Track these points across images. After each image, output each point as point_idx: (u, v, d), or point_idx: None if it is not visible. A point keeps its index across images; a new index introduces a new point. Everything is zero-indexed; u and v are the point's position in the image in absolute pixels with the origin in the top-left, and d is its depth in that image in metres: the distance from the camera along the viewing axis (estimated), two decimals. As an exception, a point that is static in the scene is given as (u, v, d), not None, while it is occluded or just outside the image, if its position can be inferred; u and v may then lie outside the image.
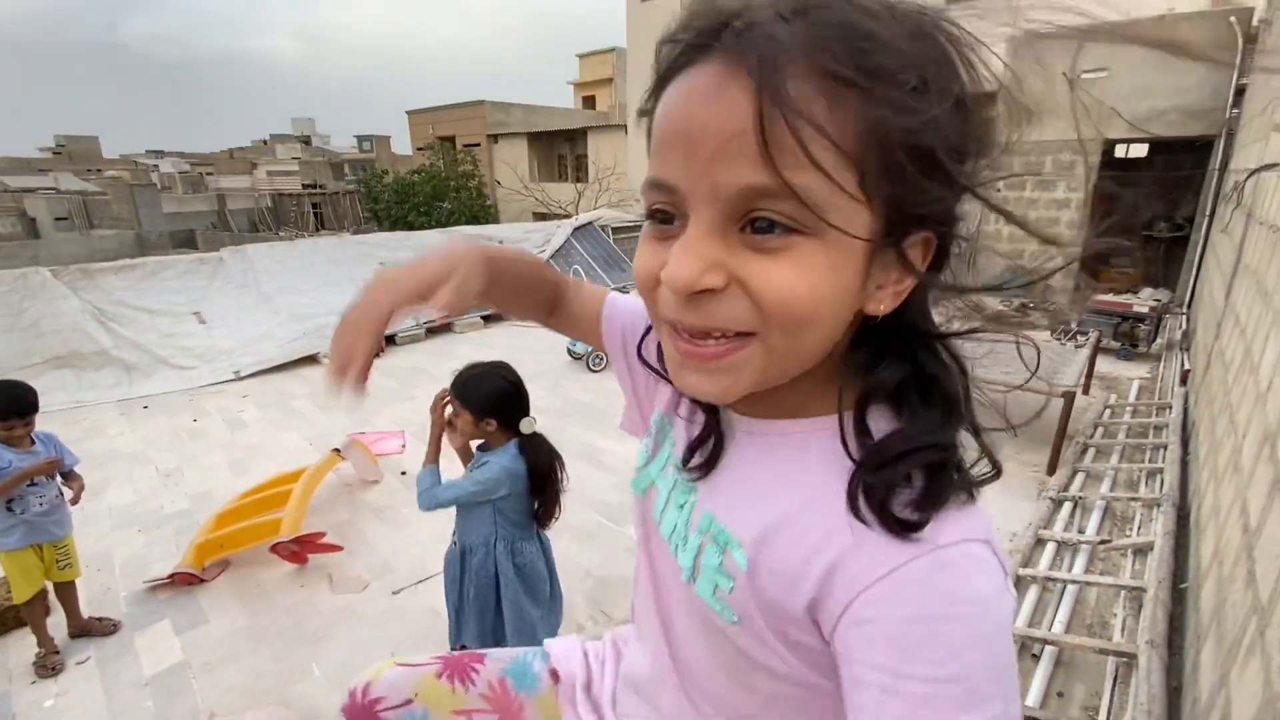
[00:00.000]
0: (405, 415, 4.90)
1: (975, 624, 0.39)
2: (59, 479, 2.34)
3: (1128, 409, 4.55)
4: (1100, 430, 4.18)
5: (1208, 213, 6.39)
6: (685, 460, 0.58)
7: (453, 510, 1.93)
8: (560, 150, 21.22)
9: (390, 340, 7.00)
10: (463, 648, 1.93)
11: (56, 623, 2.48)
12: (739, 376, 0.44)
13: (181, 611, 2.68)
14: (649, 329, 0.69)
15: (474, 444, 1.92)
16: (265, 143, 56.18)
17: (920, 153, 0.38)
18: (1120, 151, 7.08)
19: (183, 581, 2.80)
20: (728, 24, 0.39)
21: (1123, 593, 2.44)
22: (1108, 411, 4.52)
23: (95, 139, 51.39)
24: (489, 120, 21.71)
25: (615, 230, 10.08)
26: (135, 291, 6.51)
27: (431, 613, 2.59)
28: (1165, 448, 3.48)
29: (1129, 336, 5.75)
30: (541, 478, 1.84)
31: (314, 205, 27.57)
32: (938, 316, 0.48)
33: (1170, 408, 4.05)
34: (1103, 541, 2.80)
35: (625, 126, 17.17)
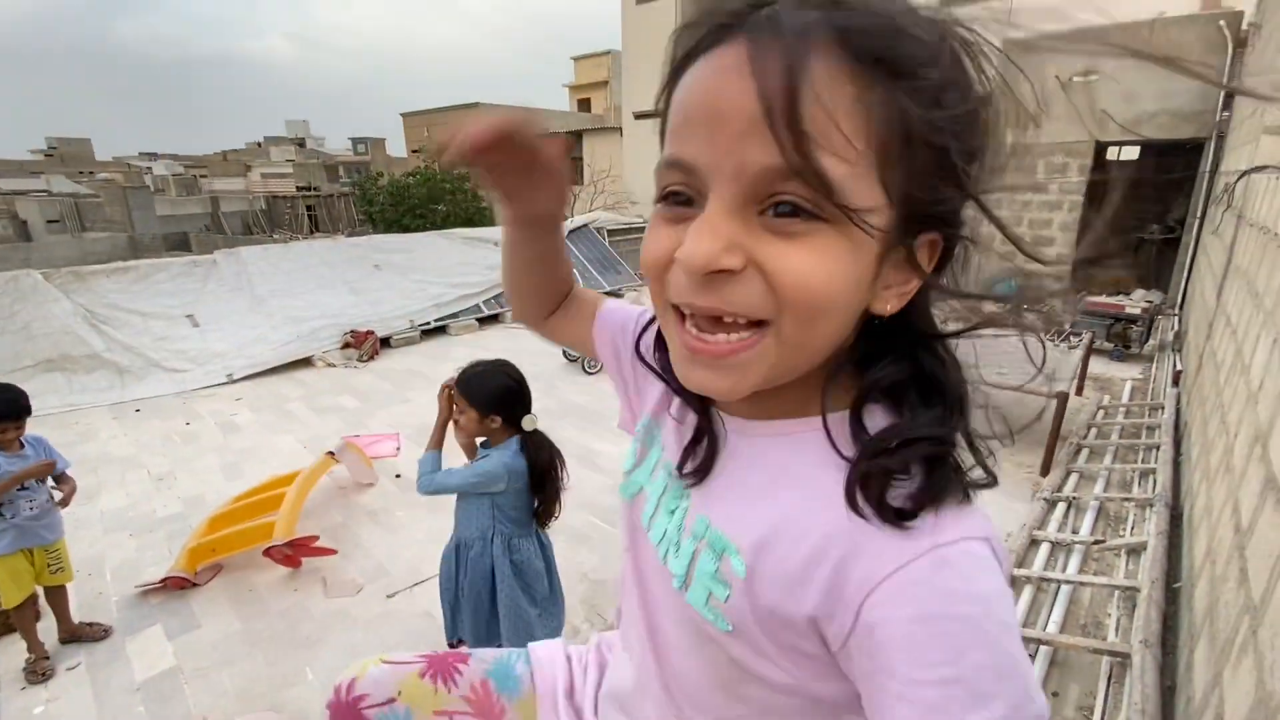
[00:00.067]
0: (400, 418, 4.89)
1: (978, 623, 0.39)
2: (50, 482, 2.32)
3: (1120, 410, 4.57)
4: (1093, 431, 4.20)
5: (1199, 215, 6.43)
6: (680, 467, 0.57)
7: (451, 512, 1.93)
8: (555, 153, 21.21)
9: (385, 343, 6.99)
10: (459, 642, 1.94)
11: (47, 628, 2.46)
12: (747, 373, 0.43)
13: (174, 616, 2.66)
14: (645, 328, 0.69)
15: (477, 440, 1.92)
16: (259, 145, 56.03)
17: (937, 151, 0.39)
18: (1112, 154, 7.13)
19: (175, 586, 2.78)
20: (758, 6, 0.39)
21: (1116, 593, 2.45)
22: (1101, 412, 4.54)
23: (88, 141, 51.14)
24: (484, 123, 21.65)
25: (611, 232, 10.09)
26: (128, 294, 6.48)
27: (426, 616, 2.58)
28: (1158, 448, 3.50)
29: (1121, 338, 5.78)
30: (542, 475, 1.85)
31: (308, 208, 27.48)
32: (935, 316, 0.48)
33: (1163, 408, 4.08)
34: (1096, 542, 2.81)
35: (620, 129, 17.20)
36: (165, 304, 6.63)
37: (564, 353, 5.89)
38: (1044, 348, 0.48)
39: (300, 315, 6.89)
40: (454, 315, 7.77)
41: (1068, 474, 3.52)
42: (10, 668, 2.36)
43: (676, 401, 0.61)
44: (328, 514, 3.43)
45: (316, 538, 2.95)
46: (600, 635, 0.82)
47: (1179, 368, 4.63)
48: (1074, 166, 7.04)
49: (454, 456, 1.92)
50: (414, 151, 23.28)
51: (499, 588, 1.85)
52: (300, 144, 53.54)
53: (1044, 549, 2.81)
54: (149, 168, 43.35)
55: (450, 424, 1.88)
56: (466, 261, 8.51)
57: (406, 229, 16.89)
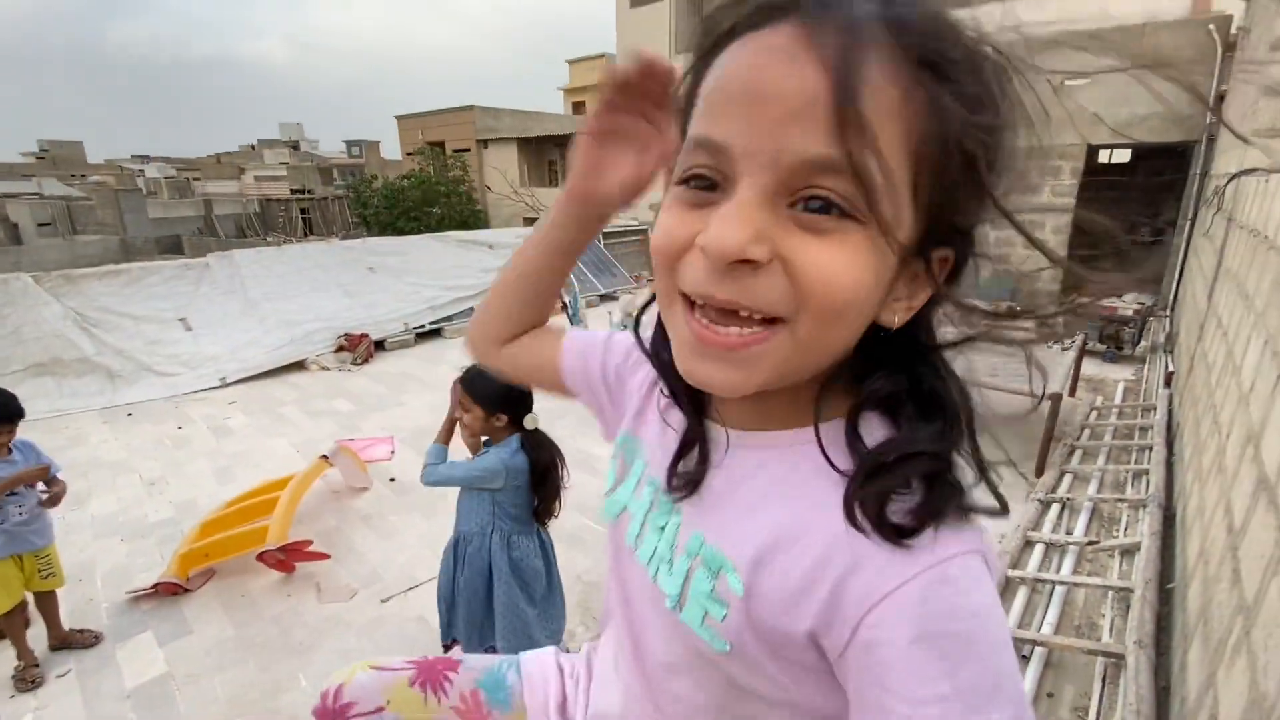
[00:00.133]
0: (395, 421, 4.87)
1: (973, 639, 0.38)
2: (39, 485, 2.30)
3: (1113, 411, 4.60)
4: (1087, 432, 4.22)
5: (1189, 217, 6.48)
6: (669, 478, 0.55)
7: (445, 515, 1.93)
8: (551, 155, 21.23)
9: (379, 345, 6.96)
10: (454, 642, 1.93)
11: (36, 635, 2.43)
12: (756, 369, 0.42)
13: (165, 622, 2.64)
14: (645, 326, 0.67)
15: (481, 439, 1.94)
16: (253, 148, 55.84)
17: (968, 162, 0.38)
18: (1103, 157, 7.18)
19: (166, 592, 2.76)
20: None
21: (1110, 593, 2.45)
22: (1094, 413, 4.57)
23: (79, 144, 50.87)
24: (479, 125, 21.68)
25: (605, 235, 10.09)
26: (119, 298, 6.44)
27: (421, 621, 2.57)
28: (1150, 449, 3.51)
29: (1114, 339, 5.82)
30: (543, 473, 1.87)
31: (302, 211, 27.41)
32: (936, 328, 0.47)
33: (1155, 409, 4.10)
34: (1090, 543, 2.82)
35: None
36: (157, 307, 6.59)
37: (559, 355, 5.89)
38: (1045, 377, 0.47)
39: (294, 318, 6.86)
40: (448, 318, 7.75)
41: (1061, 475, 3.53)
42: (-1, 675, 2.34)
43: (664, 404, 0.59)
44: (321, 518, 3.41)
45: (310, 542, 2.93)
46: (590, 644, 0.80)
47: (1171, 369, 4.66)
48: (1066, 169, 7.09)
49: (459, 455, 1.93)
50: (408, 154, 23.23)
51: (495, 585, 1.85)
52: (294, 146, 53.40)
53: (1038, 550, 2.81)
54: (141, 170, 43.15)
55: (458, 423, 1.90)
56: (461, 264, 8.50)
57: (401, 231, 16.88)
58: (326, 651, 2.45)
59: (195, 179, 39.03)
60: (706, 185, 0.41)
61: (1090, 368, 5.47)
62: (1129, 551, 2.68)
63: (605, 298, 9.05)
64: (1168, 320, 6.42)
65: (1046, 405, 3.52)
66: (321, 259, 7.82)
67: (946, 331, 0.47)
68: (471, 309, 8.58)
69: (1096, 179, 7.21)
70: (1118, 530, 2.99)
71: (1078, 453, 3.88)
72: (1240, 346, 2.23)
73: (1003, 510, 0.44)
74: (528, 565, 1.89)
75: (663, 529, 0.55)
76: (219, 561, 2.91)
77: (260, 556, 2.80)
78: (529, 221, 16.49)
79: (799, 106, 0.36)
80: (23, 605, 2.32)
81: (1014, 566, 2.69)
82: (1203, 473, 2.36)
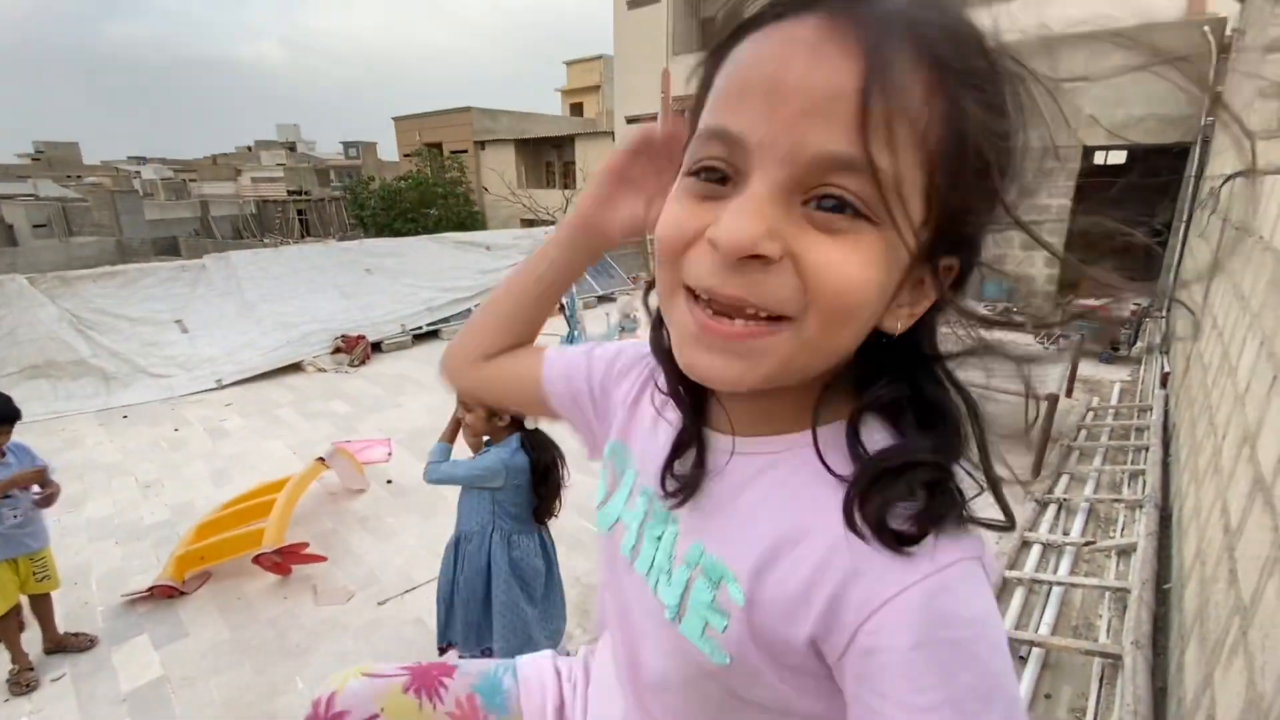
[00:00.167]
0: (392, 423, 4.86)
1: (970, 645, 0.38)
2: (34, 488, 2.29)
3: (1109, 412, 4.60)
4: (1083, 433, 4.22)
5: (1185, 218, 6.50)
6: (662, 481, 0.53)
7: (443, 517, 1.93)
8: (548, 157, 21.23)
9: (376, 347, 6.95)
10: (449, 646, 1.93)
11: (31, 638, 2.42)
12: (758, 364, 0.41)
13: (161, 625, 2.63)
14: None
15: (483, 439, 1.95)
16: (250, 149, 55.73)
17: (984, 169, 0.38)
18: (1099, 158, 7.20)
19: (162, 594, 2.75)
20: None
21: (1107, 594, 2.46)
22: (1090, 414, 4.57)
23: (75, 145, 50.71)
24: (476, 127, 21.67)
25: (602, 236, 10.08)
26: (115, 299, 6.42)
27: (418, 623, 2.56)
28: (1147, 450, 3.52)
29: (1110, 340, 5.83)
30: (543, 472, 1.88)
31: (299, 212, 27.35)
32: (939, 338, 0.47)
33: (1151, 410, 4.10)
34: (1087, 543, 2.82)
35: (613, 134, 17.22)
36: (153, 309, 6.58)
37: (556, 357, 5.89)
38: (1038, 402, 0.46)
39: (290, 320, 6.85)
40: (445, 319, 7.74)
41: (1058, 475, 3.54)
42: (-7, 679, 2.33)
43: (660, 400, 0.58)
44: (318, 520, 3.40)
45: (306, 545, 2.92)
46: (587, 647, 0.79)
47: (1167, 369, 4.67)
48: (1062, 171, 7.10)
49: (460, 453, 1.94)
50: (406, 155, 23.21)
51: (494, 584, 1.85)
52: (291, 148, 53.31)
53: (1035, 550, 2.82)
54: (137, 172, 43.05)
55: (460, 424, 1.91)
56: (458, 265, 8.49)
57: (398, 233, 16.87)
58: (323, 654, 2.44)
59: (192, 180, 38.94)
60: (718, 178, 0.40)
61: (1086, 369, 5.49)
62: (1125, 552, 2.68)
63: (603, 299, 9.05)
64: (1163, 321, 6.44)
65: (1043, 407, 3.53)
66: (318, 260, 7.80)
67: (948, 341, 0.46)
68: (469, 310, 8.58)
69: (1092, 180, 7.23)
70: (1114, 531, 2.99)
71: (1074, 453, 3.89)
72: (1236, 347, 2.24)
73: (1009, 524, 0.44)
74: (528, 564, 1.89)
75: (659, 539, 0.54)
76: (215, 564, 2.90)
77: (256, 559, 2.79)
78: (526, 223, 16.49)
79: (821, 101, 0.35)
80: (17, 609, 2.30)
81: (1011, 567, 2.69)
82: (1199, 473, 2.37)
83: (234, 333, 6.61)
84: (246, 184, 34.66)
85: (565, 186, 19.10)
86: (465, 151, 21.52)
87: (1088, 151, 7.11)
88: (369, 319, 7.19)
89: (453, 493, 1.98)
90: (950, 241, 0.40)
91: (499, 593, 1.84)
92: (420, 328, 7.48)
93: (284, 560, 2.83)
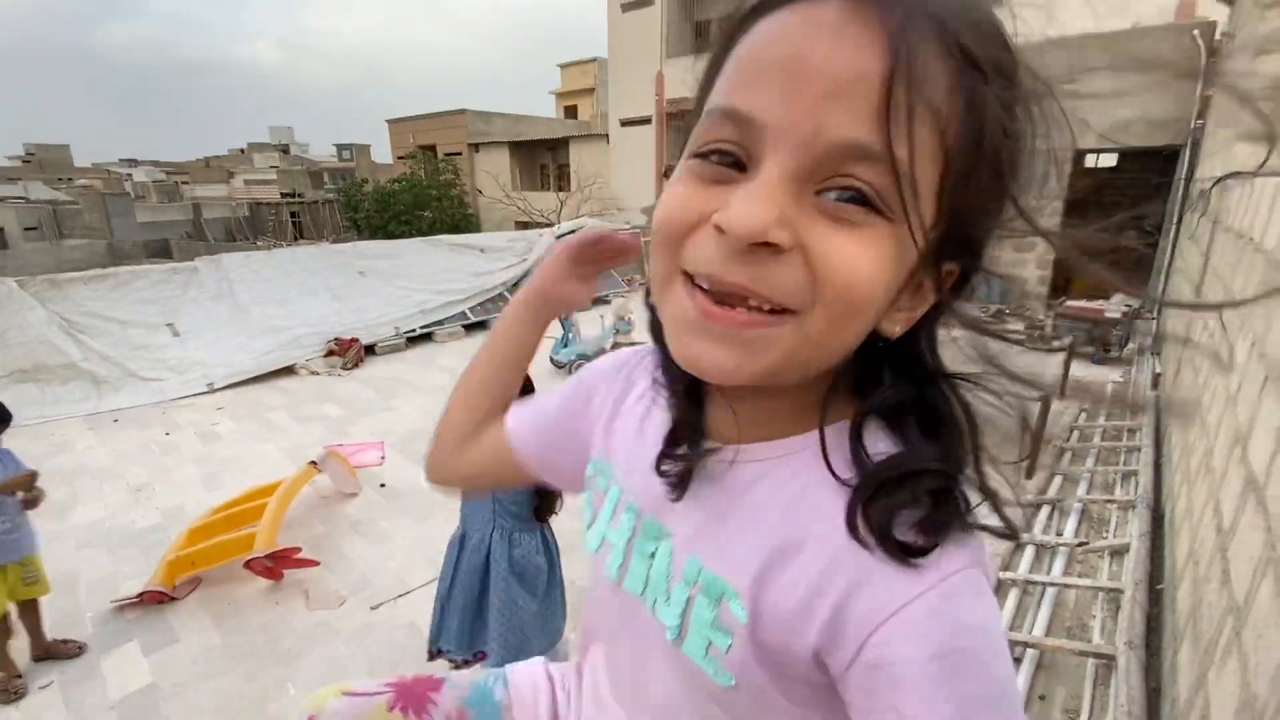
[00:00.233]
0: (385, 426, 4.83)
1: (977, 654, 0.38)
2: (18, 494, 2.26)
3: (1101, 413, 4.63)
4: (1076, 434, 4.24)
5: (1175, 221, 6.55)
6: (659, 465, 0.51)
7: (435, 521, 1.91)
8: (542, 159, 21.24)
9: (369, 350, 6.92)
10: (439, 653, 1.91)
11: (19, 646, 2.39)
12: (758, 355, 0.39)
13: (151, 631, 2.60)
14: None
15: None
16: (242, 151, 55.48)
17: (998, 170, 0.37)
18: (1090, 161, 7.25)
19: (152, 600, 2.72)
20: None
21: (1101, 594, 2.46)
22: (1082, 415, 4.59)
23: (66, 147, 50.34)
24: (470, 129, 21.67)
25: (597, 239, 10.07)
26: (105, 302, 6.37)
27: (411, 628, 2.54)
28: (1139, 450, 3.54)
29: (1101, 342, 5.87)
30: None
31: (292, 214, 27.27)
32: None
33: (1143, 411, 4.13)
34: (1080, 544, 2.83)
35: (607, 136, 17.24)
36: (144, 312, 6.53)
37: (550, 359, 5.88)
38: (1031, 436, 0.46)
39: (283, 323, 6.81)
40: (439, 322, 7.72)
41: (1051, 476, 3.55)
42: (-21, 687, 2.30)
43: (641, 410, 0.56)
44: (310, 525, 3.37)
45: (298, 549, 2.90)
46: (579, 655, 0.77)
47: (1158, 370, 4.70)
48: (1054, 172, 7.14)
49: None
50: (400, 158, 23.17)
51: (492, 583, 1.84)
52: (284, 150, 53.11)
53: (1029, 551, 2.82)
54: (129, 174, 42.79)
55: None
56: (452, 268, 8.46)
57: (392, 235, 16.84)
58: (315, 659, 2.42)
59: (184, 183, 38.72)
60: (729, 161, 0.38)
61: (1078, 370, 5.52)
62: (1118, 552, 2.69)
63: (597, 301, 9.03)
64: (1154, 322, 6.48)
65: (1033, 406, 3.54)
66: (311, 263, 7.77)
67: (948, 350, 0.45)
68: (463, 313, 8.51)
69: (1084, 183, 7.28)
70: (1107, 532, 3.00)
71: (1067, 454, 3.90)
72: (1226, 348, 2.25)
73: (1013, 534, 0.43)
74: (530, 562, 1.88)
75: (653, 556, 0.52)
76: (206, 569, 2.88)
77: (248, 564, 2.76)
78: (521, 225, 16.46)
79: (844, 85, 0.34)
80: (5, 615, 2.28)
81: (1005, 568, 2.69)
82: (1191, 474, 2.38)
83: (226, 336, 6.57)
84: (239, 186, 34.49)
85: (560, 189, 19.11)
86: (459, 154, 21.51)
87: (1079, 154, 7.16)
88: (362, 321, 7.16)
89: (448, 496, 1.96)
90: (956, 244, 0.39)
91: (498, 590, 1.83)
92: (414, 330, 7.46)
93: (276, 565, 2.81)
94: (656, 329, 0.52)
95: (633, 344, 0.92)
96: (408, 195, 18.77)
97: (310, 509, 3.52)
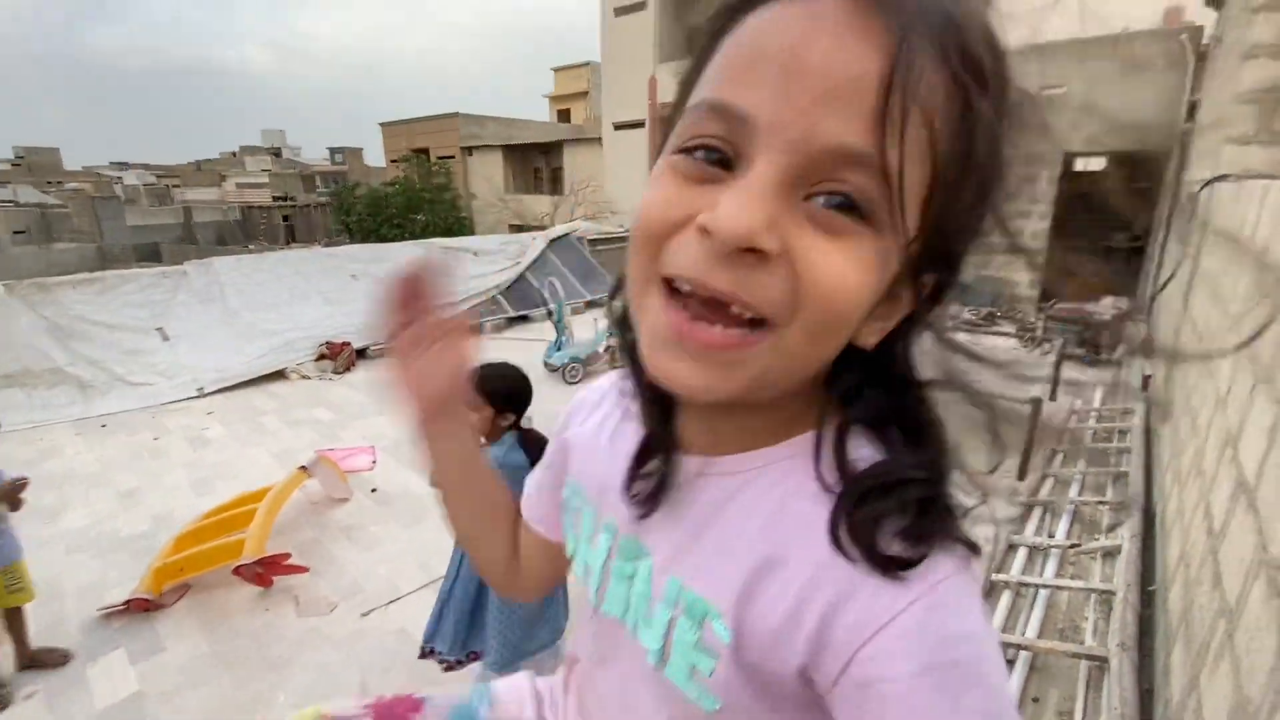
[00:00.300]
0: (377, 430, 4.80)
1: (973, 665, 0.37)
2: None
3: (1092, 414, 4.65)
4: (1067, 435, 4.26)
5: (1165, 224, 6.60)
6: (628, 485, 0.50)
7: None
8: (536, 163, 21.23)
9: (361, 354, 6.88)
10: (431, 651, 1.91)
11: (3, 654, 2.36)
12: (734, 374, 0.37)
13: (137, 639, 2.57)
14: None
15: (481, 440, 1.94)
16: (234, 155, 55.26)
17: (983, 182, 0.36)
18: (1080, 165, 7.30)
19: (139, 608, 2.69)
20: None
21: (1093, 596, 2.47)
22: (1073, 416, 4.61)
23: (56, 150, 50.07)
24: (464, 132, 21.65)
25: (592, 242, 10.08)
26: (93, 306, 6.31)
27: (402, 634, 2.52)
28: (1129, 452, 3.56)
29: (1092, 343, 5.90)
30: None
31: (284, 218, 27.17)
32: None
33: (1133, 412, 4.15)
34: (1072, 545, 2.83)
35: (600, 140, 17.26)
36: (133, 316, 6.48)
37: (544, 362, 5.86)
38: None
39: (274, 327, 6.77)
40: (432, 326, 7.68)
41: (1043, 478, 3.56)
42: (-38, 697, 2.26)
43: (611, 429, 0.55)
44: (300, 530, 3.35)
45: (288, 555, 2.87)
46: (564, 668, 0.74)
47: (1148, 372, 4.72)
48: (1043, 176, 7.20)
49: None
50: (393, 161, 23.13)
51: None
52: (276, 154, 52.96)
53: (1022, 553, 2.83)
54: (119, 177, 42.56)
55: None
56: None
57: (384, 239, 16.79)
58: (306, 666, 2.39)
59: (175, 186, 38.55)
60: (715, 159, 0.36)
61: (1070, 371, 5.54)
62: (1110, 554, 2.70)
63: (591, 304, 9.03)
64: (1144, 324, 6.52)
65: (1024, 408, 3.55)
66: (302, 266, 7.73)
67: (922, 364, 0.44)
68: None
69: (1073, 186, 7.33)
70: (1099, 533, 3.01)
71: (1059, 456, 3.92)
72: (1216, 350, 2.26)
73: (974, 550, 0.41)
74: None
75: (631, 578, 0.50)
76: (194, 576, 2.84)
77: (237, 570, 2.73)
78: (514, 228, 16.44)
79: (842, 86, 0.32)
80: (-12, 624, 2.25)
81: (998, 570, 2.69)
82: (1181, 475, 2.39)
83: (216, 340, 6.52)
84: (231, 190, 34.36)
85: (553, 192, 19.11)
86: (453, 157, 21.49)
87: (1068, 157, 7.21)
88: (354, 325, 7.12)
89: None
90: (937, 255, 0.38)
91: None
92: (406, 334, 7.43)
93: (265, 571, 2.78)
94: (623, 340, 0.49)
95: None
96: (400, 199, 18.74)
97: (300, 514, 3.49)
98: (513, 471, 1.84)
